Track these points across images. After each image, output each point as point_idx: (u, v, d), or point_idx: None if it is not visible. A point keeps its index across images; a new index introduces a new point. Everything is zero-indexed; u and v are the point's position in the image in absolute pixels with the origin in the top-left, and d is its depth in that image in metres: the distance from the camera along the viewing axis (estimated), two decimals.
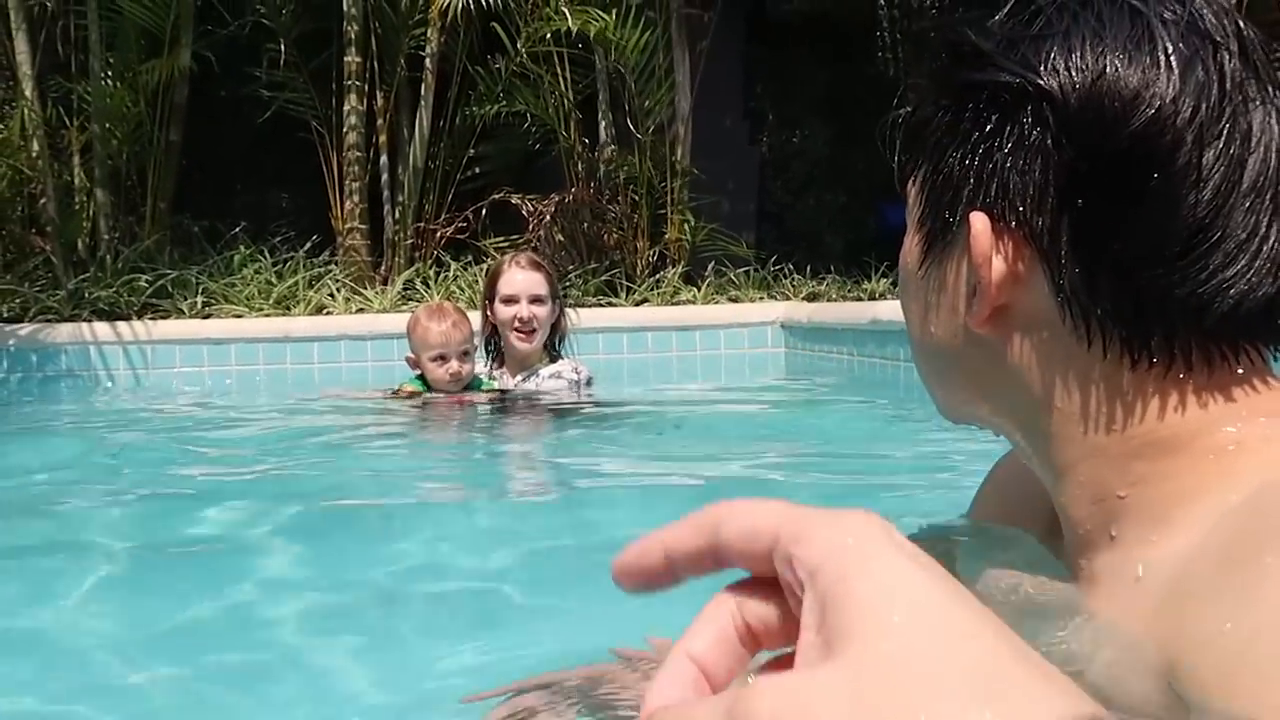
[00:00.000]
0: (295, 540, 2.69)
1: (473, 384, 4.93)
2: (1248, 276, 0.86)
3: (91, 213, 9.02)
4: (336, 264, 8.76)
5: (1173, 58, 0.86)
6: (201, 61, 9.19)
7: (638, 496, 3.20)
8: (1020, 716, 0.40)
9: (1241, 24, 0.89)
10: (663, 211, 9.13)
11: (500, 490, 3.48)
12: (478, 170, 9.70)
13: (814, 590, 0.45)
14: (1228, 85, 0.86)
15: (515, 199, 9.11)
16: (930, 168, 0.97)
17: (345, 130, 9.04)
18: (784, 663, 0.47)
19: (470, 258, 8.81)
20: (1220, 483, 0.86)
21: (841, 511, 0.48)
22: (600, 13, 8.34)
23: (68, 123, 9.21)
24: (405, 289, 8.31)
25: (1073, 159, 0.87)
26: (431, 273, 8.65)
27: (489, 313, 5.02)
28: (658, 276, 8.72)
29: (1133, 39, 0.87)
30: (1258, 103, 0.87)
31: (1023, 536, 1.13)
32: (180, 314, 7.66)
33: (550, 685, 1.27)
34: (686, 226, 9.07)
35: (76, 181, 9.24)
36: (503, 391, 4.99)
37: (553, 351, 5.12)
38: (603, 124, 9.25)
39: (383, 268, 9.16)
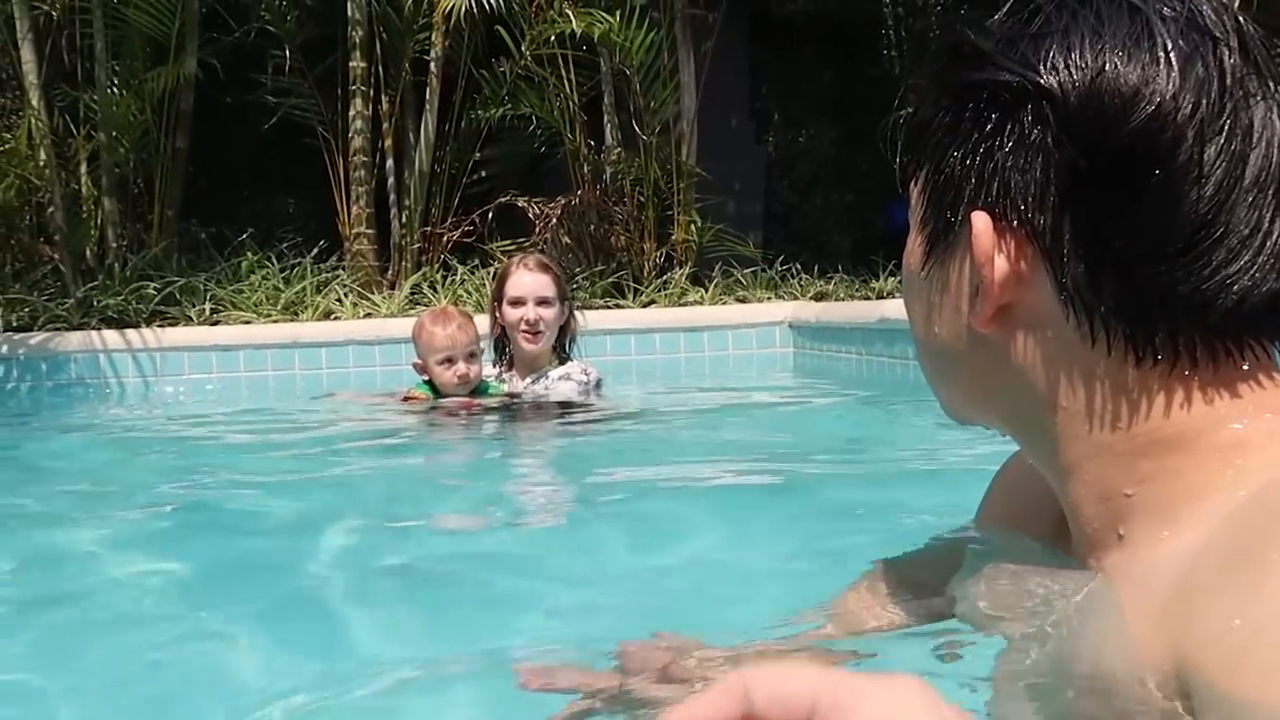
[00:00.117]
0: (301, 545, 2.70)
1: (481, 388, 4.93)
2: (1251, 272, 0.86)
3: (99, 221, 9.03)
4: (344, 269, 8.77)
5: (1172, 54, 0.86)
6: (207, 69, 9.19)
7: (647, 500, 3.19)
8: None
9: (1241, 19, 0.89)
10: (669, 213, 9.12)
11: (508, 495, 3.48)
12: (484, 174, 9.70)
13: None
14: (1228, 81, 0.86)
15: (521, 202, 9.10)
16: (931, 168, 0.97)
17: (351, 135, 9.05)
18: None
19: (477, 261, 8.81)
20: (1227, 479, 0.86)
21: (884, 680, 0.47)
22: (604, 14, 8.34)
23: (74, 131, 9.22)
24: (412, 293, 8.31)
25: (1073, 157, 0.87)
26: (439, 277, 8.65)
27: (497, 315, 5.02)
28: (665, 278, 8.71)
29: (1132, 36, 0.87)
30: (1259, 98, 0.87)
31: (1027, 541, 1.13)
32: (188, 321, 7.67)
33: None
34: (693, 227, 9.06)
35: (84, 190, 9.25)
36: (511, 395, 4.98)
37: (562, 353, 5.12)
38: (608, 126, 9.24)
39: (390, 272, 9.17)
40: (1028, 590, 1.03)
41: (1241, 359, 0.89)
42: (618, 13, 8.35)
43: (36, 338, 7.32)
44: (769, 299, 8.25)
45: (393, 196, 9.38)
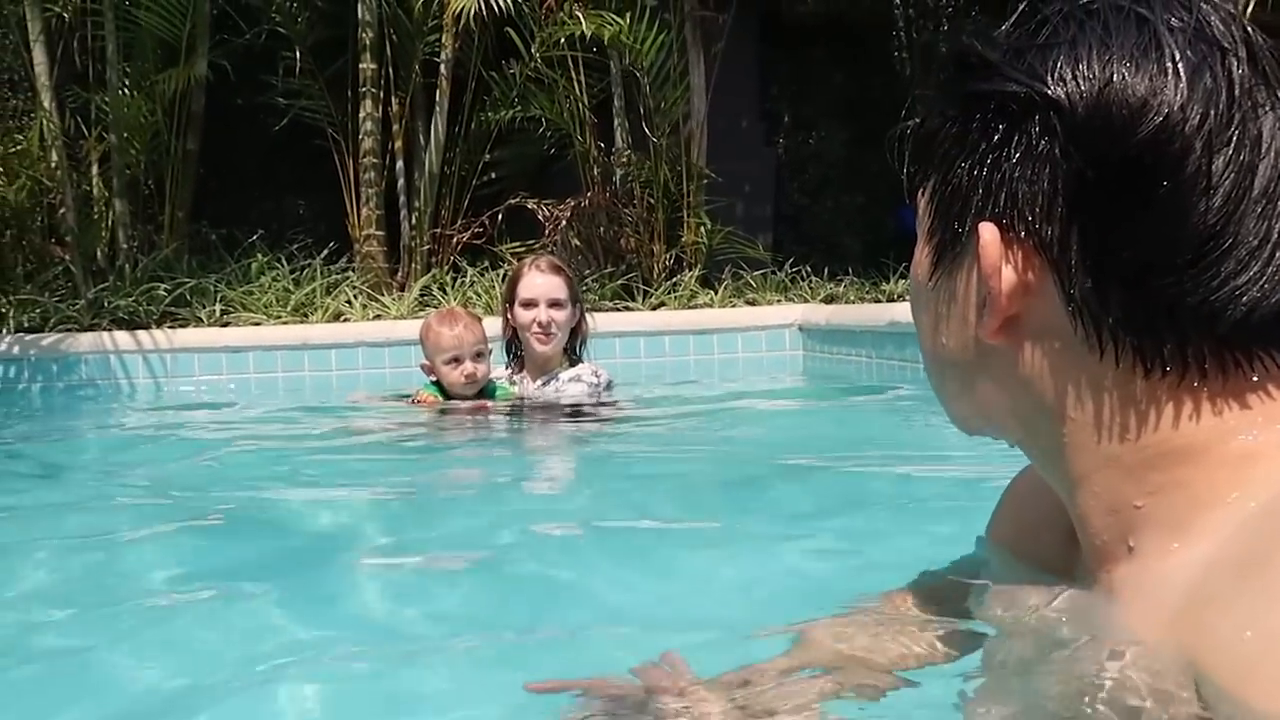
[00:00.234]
0: (304, 547, 2.70)
1: (488, 389, 4.94)
2: (1260, 283, 0.85)
3: (110, 222, 9.06)
4: (354, 271, 8.77)
5: (1180, 65, 0.85)
6: (218, 70, 9.22)
7: (654, 504, 3.19)
8: None
9: (1249, 30, 0.88)
10: (679, 215, 9.11)
11: (516, 497, 3.47)
12: (493, 175, 9.71)
13: None
14: (1236, 91, 0.85)
15: (531, 204, 9.11)
16: (939, 179, 0.97)
17: (361, 137, 9.06)
18: None
19: (487, 263, 8.81)
20: (1237, 490, 0.86)
21: None
22: (614, 16, 8.35)
23: (86, 133, 9.26)
24: (422, 295, 8.32)
25: (1081, 168, 0.87)
26: (448, 279, 8.66)
27: (509, 316, 5.02)
28: (674, 280, 8.70)
29: (1139, 47, 0.86)
30: (1267, 108, 0.87)
31: (1029, 564, 1.13)
32: (199, 322, 7.68)
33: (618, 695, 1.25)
34: (703, 229, 9.05)
35: (95, 191, 9.28)
36: (521, 398, 4.99)
37: (573, 355, 5.12)
38: (618, 128, 9.24)
39: (400, 274, 9.18)
40: (1034, 609, 1.03)
41: (1251, 370, 0.88)
42: (628, 14, 8.36)
43: (48, 339, 7.34)
44: (779, 301, 8.23)
45: (402, 198, 9.40)
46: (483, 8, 8.27)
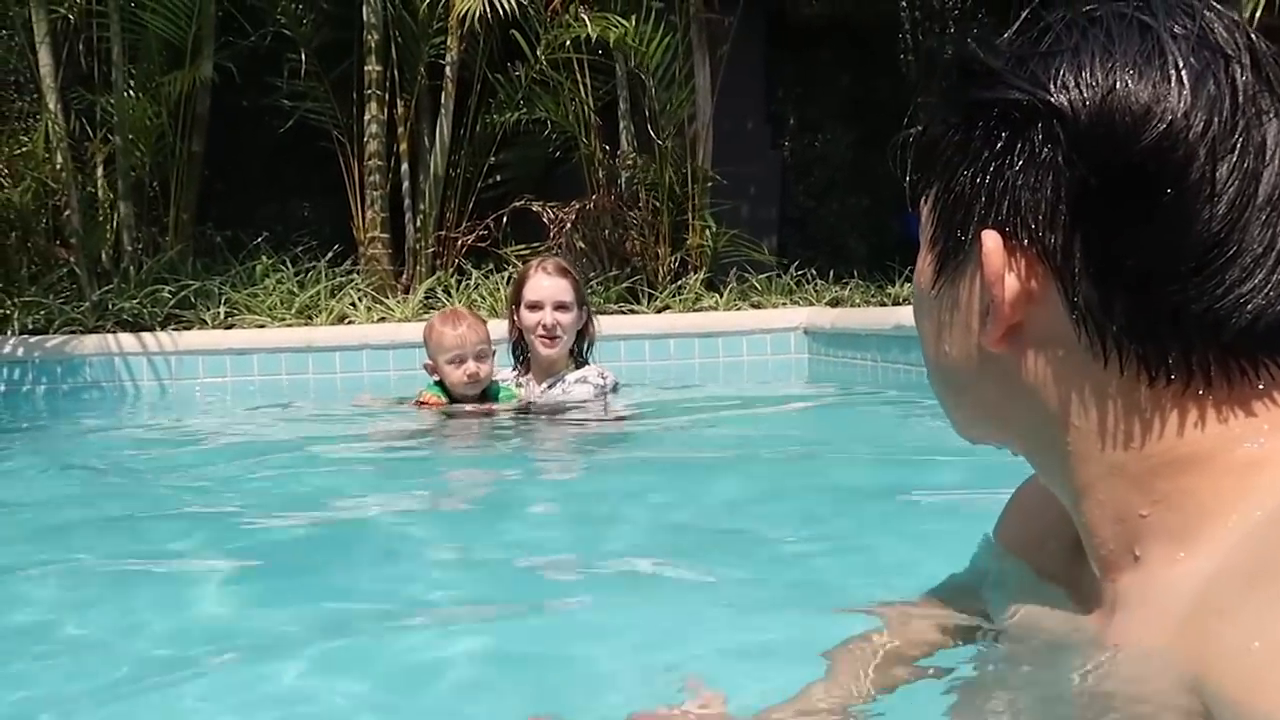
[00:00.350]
0: (311, 556, 2.70)
1: (492, 391, 4.94)
2: (1265, 291, 0.85)
3: (115, 224, 9.07)
4: (358, 273, 8.78)
5: (1184, 72, 0.85)
6: (223, 72, 9.22)
7: (659, 506, 3.19)
8: None
9: (1253, 37, 0.88)
10: (684, 217, 9.10)
11: (517, 502, 3.47)
12: (498, 178, 9.71)
13: None
14: (1240, 99, 0.85)
15: (536, 206, 9.11)
16: (942, 186, 0.97)
17: (366, 139, 9.07)
18: None
19: (491, 266, 8.81)
20: (1243, 499, 0.86)
21: None
22: (620, 18, 8.35)
23: (91, 135, 9.26)
24: (427, 298, 8.32)
25: (1084, 175, 0.86)
26: (453, 281, 8.66)
27: (515, 318, 5.02)
28: (680, 283, 8.70)
29: (1143, 54, 0.86)
30: (1271, 115, 0.86)
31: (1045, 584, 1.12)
32: (203, 324, 7.69)
33: None
34: (708, 232, 9.05)
35: (100, 193, 9.29)
36: (527, 400, 4.98)
37: (579, 358, 5.12)
38: (623, 130, 9.24)
39: (404, 276, 9.18)
40: (1041, 625, 1.03)
41: (1256, 378, 0.88)
42: (633, 17, 8.36)
43: (52, 340, 7.35)
44: (784, 304, 8.23)
45: (407, 201, 9.40)
46: (488, 10, 8.28)
